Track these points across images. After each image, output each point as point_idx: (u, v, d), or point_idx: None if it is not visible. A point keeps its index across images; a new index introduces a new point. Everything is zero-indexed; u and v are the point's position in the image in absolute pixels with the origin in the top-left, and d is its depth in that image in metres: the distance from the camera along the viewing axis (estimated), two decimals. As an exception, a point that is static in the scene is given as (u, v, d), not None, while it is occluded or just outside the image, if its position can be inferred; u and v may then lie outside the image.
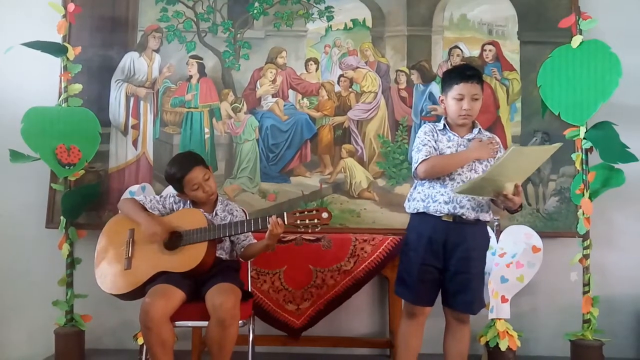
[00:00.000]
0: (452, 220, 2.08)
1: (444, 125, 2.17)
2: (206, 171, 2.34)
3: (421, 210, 2.11)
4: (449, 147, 2.13)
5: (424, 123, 2.35)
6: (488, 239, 2.22)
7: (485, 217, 2.13)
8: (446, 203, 2.07)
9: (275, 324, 2.71)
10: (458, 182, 2.08)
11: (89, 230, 2.86)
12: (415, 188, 2.19)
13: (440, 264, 2.10)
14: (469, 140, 2.14)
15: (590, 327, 2.73)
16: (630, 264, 2.96)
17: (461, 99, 2.09)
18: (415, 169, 2.12)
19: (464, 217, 2.07)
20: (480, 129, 2.19)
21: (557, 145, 2.00)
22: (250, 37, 3.09)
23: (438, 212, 2.08)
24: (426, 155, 2.09)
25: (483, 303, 2.15)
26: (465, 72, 2.13)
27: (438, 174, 2.09)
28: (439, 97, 2.24)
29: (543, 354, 2.93)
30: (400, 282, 2.17)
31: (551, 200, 2.96)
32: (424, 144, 2.13)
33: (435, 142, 2.13)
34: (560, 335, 2.81)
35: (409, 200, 2.20)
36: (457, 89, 2.10)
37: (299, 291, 2.70)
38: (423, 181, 2.14)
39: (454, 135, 2.15)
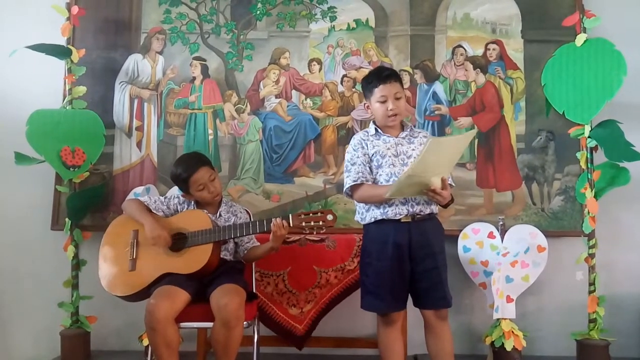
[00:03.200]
0: (412, 220, 2.10)
1: (376, 129, 2.21)
2: (212, 172, 2.35)
3: (379, 217, 2.12)
4: (388, 148, 2.15)
5: (420, 126, 2.35)
6: (443, 230, 2.24)
7: (436, 209, 2.18)
8: (402, 204, 2.10)
9: (279, 329, 2.69)
10: None
11: (94, 231, 2.87)
12: None
13: (408, 266, 2.11)
14: (403, 137, 2.18)
15: (596, 327, 2.71)
16: (636, 263, 2.95)
17: (385, 101, 2.14)
18: (348, 193, 2.16)
19: (421, 213, 2.11)
20: (411, 127, 2.24)
21: (473, 132, 2.09)
22: (253, 38, 3.09)
23: (397, 215, 2.10)
24: (355, 180, 2.12)
25: (450, 294, 2.16)
26: (382, 74, 2.18)
27: (372, 203, 2.13)
28: (364, 103, 2.26)
29: (549, 353, 2.92)
30: (368, 295, 2.15)
31: (556, 199, 2.95)
32: (353, 162, 2.17)
33: (368, 152, 2.15)
34: (566, 334, 2.80)
35: (362, 213, 2.19)
36: (378, 92, 2.15)
37: (302, 293, 2.70)
38: None
39: (388, 137, 2.18)
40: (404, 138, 2.19)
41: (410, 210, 2.10)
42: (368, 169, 2.15)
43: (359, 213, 2.22)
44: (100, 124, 2.92)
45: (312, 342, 2.78)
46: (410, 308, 2.20)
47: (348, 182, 2.15)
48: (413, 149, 2.17)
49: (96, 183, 2.98)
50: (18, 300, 3.04)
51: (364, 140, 2.20)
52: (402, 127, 2.23)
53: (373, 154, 2.16)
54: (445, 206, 2.15)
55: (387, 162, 2.14)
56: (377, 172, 2.15)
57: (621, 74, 2.67)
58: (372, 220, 2.14)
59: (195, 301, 2.17)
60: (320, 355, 2.87)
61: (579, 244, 2.81)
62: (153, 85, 3.09)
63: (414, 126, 2.28)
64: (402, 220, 2.10)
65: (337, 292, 2.70)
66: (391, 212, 2.10)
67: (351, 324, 2.93)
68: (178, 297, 2.11)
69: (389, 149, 2.15)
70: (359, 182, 2.13)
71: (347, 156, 2.21)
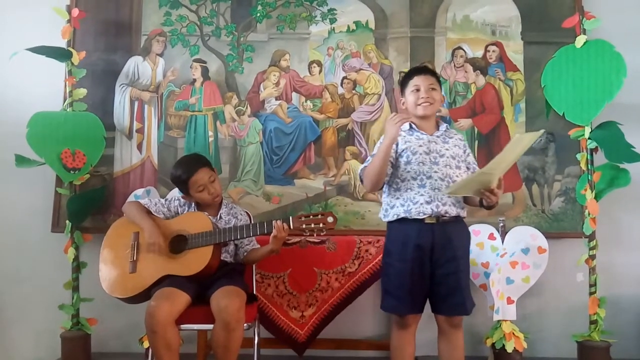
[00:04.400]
0: (436, 222, 2.05)
1: (410, 125, 2.16)
2: (212, 173, 2.36)
3: (402, 215, 2.07)
4: (420, 145, 2.11)
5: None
6: (469, 235, 2.20)
7: (463, 213, 2.13)
8: (428, 203, 2.04)
9: (280, 334, 2.68)
10: (436, 180, 2.06)
11: (95, 234, 2.87)
12: (388, 194, 2.15)
13: (428, 269, 2.07)
14: (438, 136, 2.14)
15: (597, 328, 2.71)
16: (637, 264, 2.94)
17: (418, 89, 2.11)
18: (359, 177, 2.17)
19: (446, 215, 2.05)
20: (447, 126, 2.20)
21: (540, 132, 2.08)
22: (253, 40, 3.10)
23: (421, 214, 2.04)
24: (365, 165, 2.11)
25: (473, 301, 2.12)
26: (417, 68, 2.22)
27: (376, 182, 2.07)
28: (401, 100, 2.22)
29: (550, 355, 2.92)
30: (387, 296, 2.11)
31: (556, 200, 2.95)
32: (373, 153, 2.14)
33: (398, 147, 2.11)
34: (567, 336, 2.80)
35: (386, 209, 2.14)
36: (412, 83, 2.14)
37: (303, 295, 2.69)
38: (397, 185, 2.11)
39: (422, 133, 2.14)
40: (438, 137, 2.14)
41: (435, 210, 2.03)
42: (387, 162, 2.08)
43: (383, 209, 2.17)
44: (101, 126, 2.92)
45: (313, 344, 2.77)
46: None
47: (360, 168, 2.16)
48: (447, 149, 2.12)
49: (97, 185, 2.98)
50: (18, 303, 3.04)
51: None
52: (438, 126, 2.18)
53: (403, 150, 2.10)
54: (490, 208, 2.10)
55: (417, 160, 2.08)
56: (405, 169, 2.09)
57: (621, 76, 2.67)
58: (395, 217, 2.09)
59: (195, 303, 2.16)
60: (322, 357, 2.86)
61: (579, 245, 2.81)
62: (153, 87, 3.09)
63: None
64: (425, 221, 2.05)
65: (339, 297, 2.69)
66: (415, 211, 2.04)
67: (353, 326, 2.93)
68: (178, 299, 2.11)
69: (420, 146, 2.10)
70: (366, 165, 2.10)
71: (376, 145, 2.18)
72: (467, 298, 2.08)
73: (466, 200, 2.15)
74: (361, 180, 2.18)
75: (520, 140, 1.95)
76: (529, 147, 2.10)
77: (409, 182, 2.08)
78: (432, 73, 2.18)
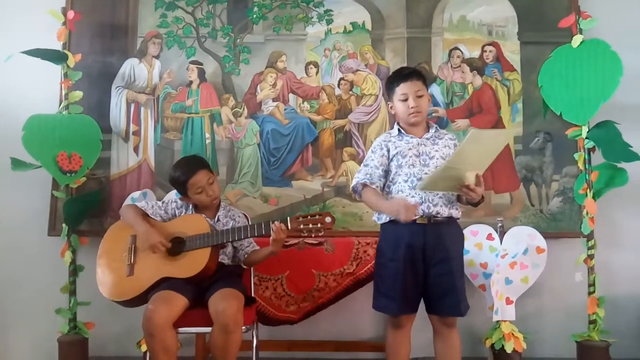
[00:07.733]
0: (428, 222, 2.06)
1: (399, 130, 2.18)
2: (210, 175, 2.35)
3: (394, 217, 2.08)
4: (410, 148, 2.12)
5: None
6: (463, 236, 2.21)
7: (457, 214, 2.13)
8: (419, 204, 2.06)
9: (274, 323, 2.70)
10: None
11: (91, 237, 2.85)
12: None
13: (421, 269, 2.07)
14: (428, 139, 2.14)
15: (596, 328, 2.71)
16: (635, 264, 2.95)
17: (406, 99, 2.12)
18: (353, 188, 2.16)
19: (438, 215, 2.06)
20: (437, 127, 2.20)
21: (505, 130, 2.21)
22: (250, 41, 3.09)
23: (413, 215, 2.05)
24: (362, 178, 2.12)
25: (468, 304, 2.12)
26: (403, 72, 2.19)
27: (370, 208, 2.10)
28: (388, 104, 2.23)
29: (549, 355, 2.91)
30: (380, 296, 2.12)
31: (554, 200, 2.95)
32: (366, 163, 2.16)
33: (388, 152, 2.13)
34: (566, 336, 2.79)
35: (378, 212, 2.16)
36: (399, 91, 2.13)
37: (300, 296, 2.69)
38: (389, 188, 2.14)
39: (411, 137, 2.15)
40: (428, 139, 2.15)
41: (426, 211, 2.05)
42: (381, 172, 2.12)
43: (376, 212, 2.18)
44: (97, 129, 2.91)
45: (312, 346, 2.78)
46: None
47: (354, 180, 2.16)
48: (437, 150, 2.13)
49: (93, 188, 2.97)
50: (15, 307, 3.02)
51: (385, 142, 2.16)
52: (428, 128, 2.19)
53: (395, 155, 2.13)
54: (476, 205, 2.11)
55: (408, 162, 2.10)
56: (397, 172, 2.12)
57: (618, 75, 2.68)
58: (388, 219, 2.11)
59: (193, 306, 2.16)
60: (321, 359, 2.86)
61: (577, 245, 2.81)
62: (150, 89, 3.08)
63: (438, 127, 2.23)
64: (417, 222, 2.06)
65: (335, 292, 2.69)
66: None
67: (351, 328, 2.92)
68: (176, 302, 2.10)
69: (410, 149, 2.12)
70: (361, 182, 2.12)
71: (368, 153, 2.20)
72: (462, 300, 2.08)
73: (459, 199, 2.15)
74: (354, 191, 2.18)
75: (479, 135, 1.92)
76: (505, 146, 2.07)
77: (400, 185, 2.11)
78: (418, 76, 2.16)
